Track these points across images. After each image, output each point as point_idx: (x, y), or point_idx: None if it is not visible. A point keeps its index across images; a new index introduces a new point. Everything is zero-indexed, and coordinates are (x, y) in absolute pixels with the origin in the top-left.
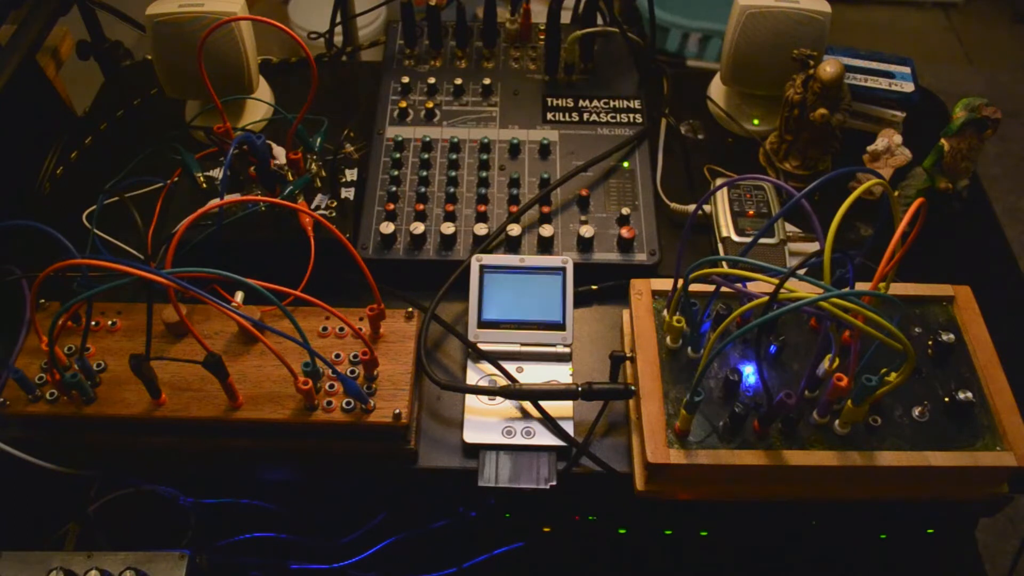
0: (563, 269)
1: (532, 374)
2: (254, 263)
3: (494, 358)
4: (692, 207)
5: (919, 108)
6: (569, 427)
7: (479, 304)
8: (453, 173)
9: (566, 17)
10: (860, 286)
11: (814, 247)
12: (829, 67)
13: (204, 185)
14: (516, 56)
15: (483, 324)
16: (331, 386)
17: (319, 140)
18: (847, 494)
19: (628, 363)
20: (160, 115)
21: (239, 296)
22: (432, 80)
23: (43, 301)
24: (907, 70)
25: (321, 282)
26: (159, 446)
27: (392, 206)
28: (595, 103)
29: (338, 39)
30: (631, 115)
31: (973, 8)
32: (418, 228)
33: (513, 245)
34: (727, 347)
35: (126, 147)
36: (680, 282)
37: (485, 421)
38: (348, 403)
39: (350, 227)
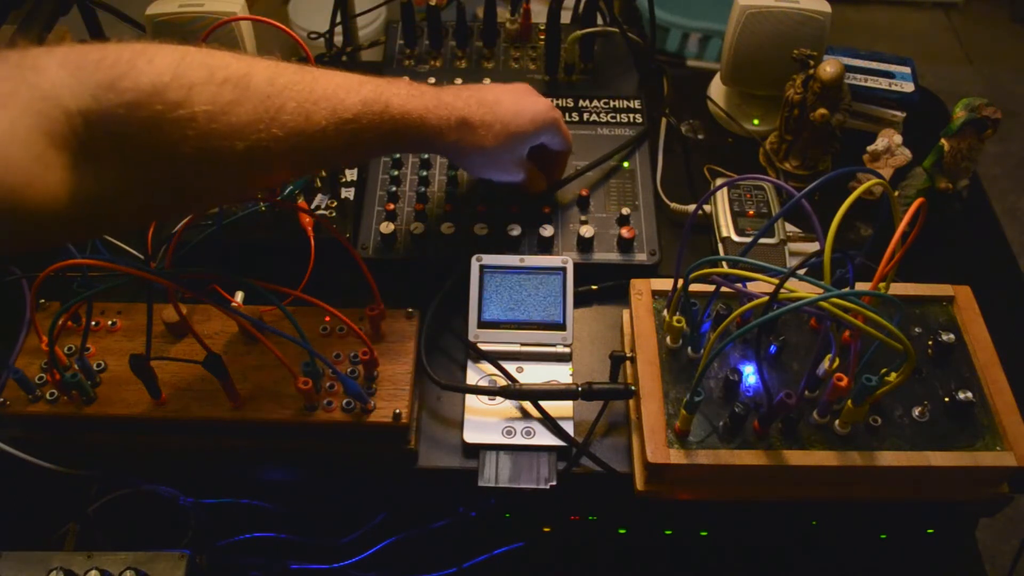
0: (563, 269)
1: (532, 374)
2: (254, 263)
3: (494, 358)
4: (692, 207)
5: (919, 108)
6: (569, 427)
7: (479, 304)
8: (453, 173)
9: (566, 17)
10: (860, 286)
11: (814, 247)
12: (829, 67)
13: None
14: (516, 56)
15: (483, 324)
16: (331, 386)
17: None
18: (847, 494)
19: (628, 363)
20: None
21: (239, 296)
22: (432, 80)
23: (43, 301)
24: (907, 70)
25: (321, 282)
26: (159, 446)
27: (392, 206)
28: (595, 103)
29: (338, 39)
30: (631, 115)
31: (973, 8)
32: (418, 228)
33: (513, 245)
34: (727, 347)
35: None
36: (680, 282)
37: (485, 421)
38: (348, 403)
39: (350, 227)
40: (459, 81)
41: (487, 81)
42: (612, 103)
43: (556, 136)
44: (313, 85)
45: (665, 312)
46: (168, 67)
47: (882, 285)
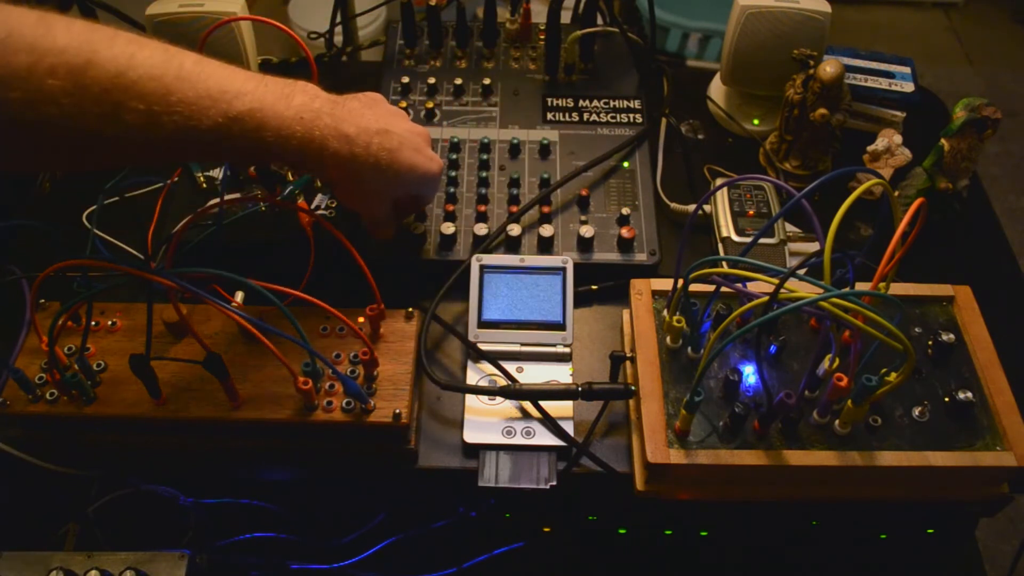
0: (563, 269)
1: (532, 374)
2: (254, 263)
3: (494, 358)
4: (692, 207)
5: (919, 108)
6: (569, 427)
7: (479, 304)
8: (453, 173)
9: (566, 17)
10: (860, 286)
11: (814, 247)
12: (829, 67)
13: (204, 185)
14: (516, 56)
15: (483, 324)
16: (331, 386)
17: None
18: (847, 494)
19: (628, 363)
20: None
21: (239, 296)
22: (432, 80)
23: (43, 301)
24: (907, 70)
25: (321, 282)
26: (159, 446)
27: None
28: (595, 103)
29: (338, 39)
30: (631, 115)
31: (973, 8)
32: (419, 228)
33: (513, 245)
34: (727, 347)
35: None
36: (680, 282)
37: (485, 421)
38: (348, 403)
39: (350, 227)
40: (459, 81)
41: (486, 81)
42: (612, 103)
43: (433, 191)
44: (176, 85)
45: (665, 312)
46: None
47: (882, 285)
